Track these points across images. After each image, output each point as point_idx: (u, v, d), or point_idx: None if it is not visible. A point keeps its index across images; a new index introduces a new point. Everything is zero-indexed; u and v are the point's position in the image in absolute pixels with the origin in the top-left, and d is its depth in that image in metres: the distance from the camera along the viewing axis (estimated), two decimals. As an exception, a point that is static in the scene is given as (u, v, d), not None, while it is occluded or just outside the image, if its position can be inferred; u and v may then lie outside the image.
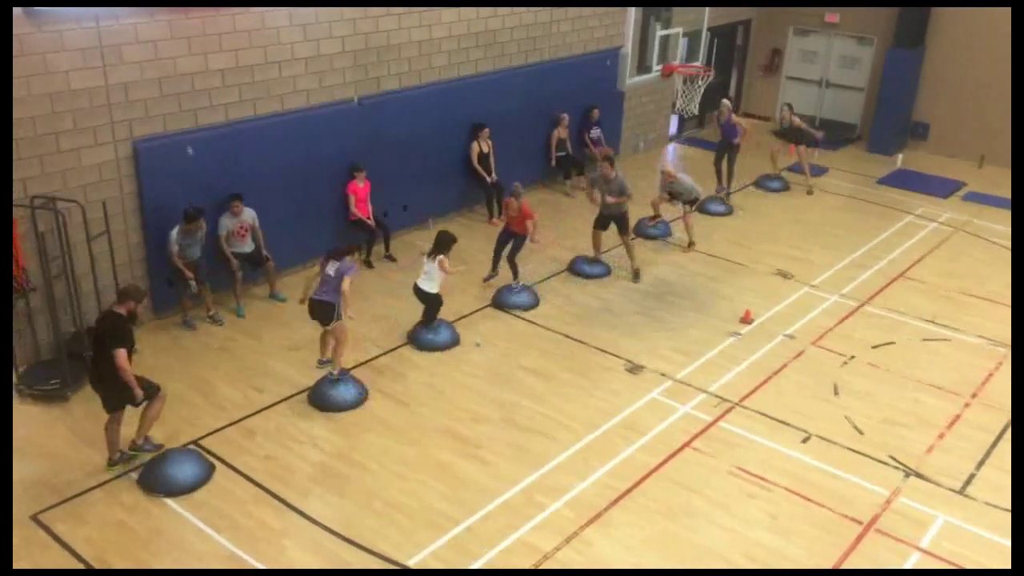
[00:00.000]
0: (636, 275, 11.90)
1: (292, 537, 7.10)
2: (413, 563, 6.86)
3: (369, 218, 11.75)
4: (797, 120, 15.15)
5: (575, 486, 7.82)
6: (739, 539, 7.29)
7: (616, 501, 7.66)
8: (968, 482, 8.09)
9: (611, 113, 15.86)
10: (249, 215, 10.36)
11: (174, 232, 9.62)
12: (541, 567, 6.87)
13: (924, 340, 10.57)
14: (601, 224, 11.91)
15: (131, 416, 7.70)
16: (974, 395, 9.48)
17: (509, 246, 11.16)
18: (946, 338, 10.66)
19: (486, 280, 11.36)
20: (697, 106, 16.67)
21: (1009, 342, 10.55)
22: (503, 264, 11.26)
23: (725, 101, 15.12)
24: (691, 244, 12.92)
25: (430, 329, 9.96)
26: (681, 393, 9.32)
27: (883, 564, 7.07)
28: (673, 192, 12.82)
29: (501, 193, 13.46)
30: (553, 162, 14.76)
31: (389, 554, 6.94)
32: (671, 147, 18.00)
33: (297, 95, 11.04)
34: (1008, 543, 7.31)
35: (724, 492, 7.85)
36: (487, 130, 13.26)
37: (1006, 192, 15.56)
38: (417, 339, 9.97)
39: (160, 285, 10.06)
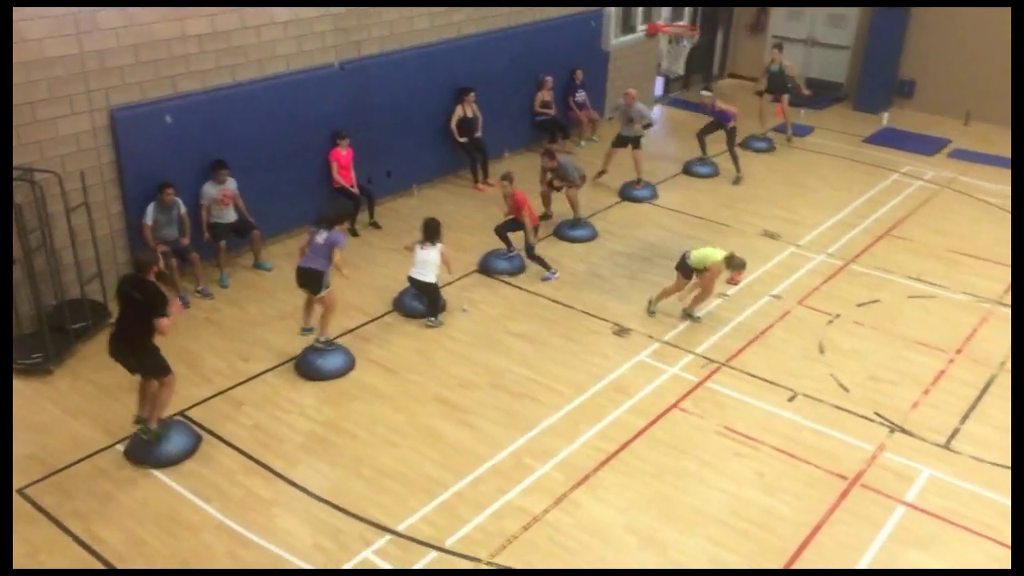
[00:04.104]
0: (575, 223, 11.95)
1: (282, 505, 7.11)
2: (403, 528, 6.88)
3: (353, 185, 11.63)
4: (788, 62, 15.05)
5: (564, 449, 7.84)
6: (728, 498, 7.35)
7: (605, 463, 7.70)
8: (952, 436, 8.16)
9: (596, 75, 15.71)
10: (232, 183, 10.24)
11: (150, 208, 9.51)
12: (531, 528, 6.91)
13: (910, 297, 10.60)
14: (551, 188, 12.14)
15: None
16: (959, 351, 9.53)
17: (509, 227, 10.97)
18: (932, 295, 10.70)
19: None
20: (683, 66, 16.53)
21: (994, 298, 10.61)
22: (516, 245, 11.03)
23: (705, 93, 14.91)
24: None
25: (429, 314, 9.75)
26: (669, 355, 9.33)
27: (869, 518, 7.14)
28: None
29: (485, 156, 13.37)
30: (538, 125, 14.65)
31: (380, 520, 6.96)
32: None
33: (276, 60, 10.87)
34: (993, 496, 7.41)
35: (712, 452, 7.89)
36: (472, 94, 13.12)
37: (992, 149, 15.57)
38: (404, 306, 9.92)
39: (142, 256, 9.96)
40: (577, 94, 15.08)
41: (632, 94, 13.24)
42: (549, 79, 14.49)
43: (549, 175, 11.92)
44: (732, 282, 10.71)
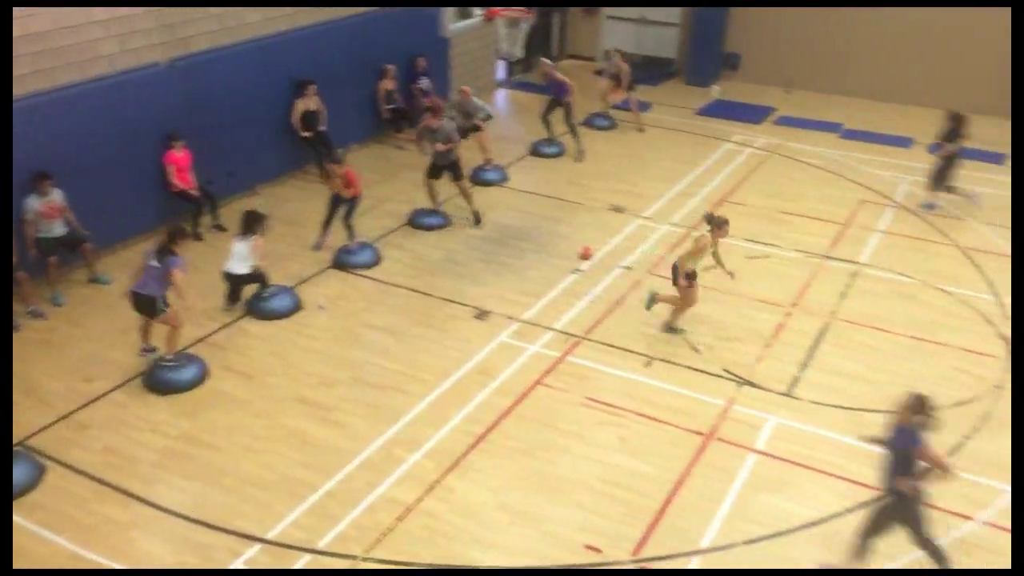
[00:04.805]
0: (477, 218, 11.94)
1: (141, 527, 6.79)
2: (273, 535, 6.72)
3: (192, 188, 11.15)
4: (626, 67, 15.52)
5: (433, 436, 7.86)
6: (595, 465, 7.58)
7: (475, 445, 7.77)
8: (793, 384, 8.73)
9: (438, 62, 15.68)
10: (58, 195, 9.60)
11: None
12: (405, 519, 6.90)
13: (748, 258, 11.21)
14: (433, 173, 11.85)
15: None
16: (794, 304, 10.19)
17: (342, 210, 10.89)
18: (767, 255, 11.37)
19: (316, 248, 11.06)
20: (522, 49, 16.72)
21: (822, 253, 11.38)
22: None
23: (545, 60, 15.16)
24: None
25: (269, 295, 9.65)
26: (529, 333, 9.50)
27: (725, 469, 7.55)
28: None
29: (332, 149, 13.11)
30: (385, 115, 14.51)
31: (247, 530, 6.76)
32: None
33: (99, 61, 10.27)
34: (833, 436, 7.99)
35: (577, 423, 8.12)
36: (313, 87, 12.82)
37: (813, 115, 16.68)
38: (256, 308, 9.63)
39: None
40: (420, 81, 15.01)
41: (467, 91, 13.33)
42: (392, 68, 14.36)
43: (425, 136, 11.67)
44: (585, 256, 11.04)
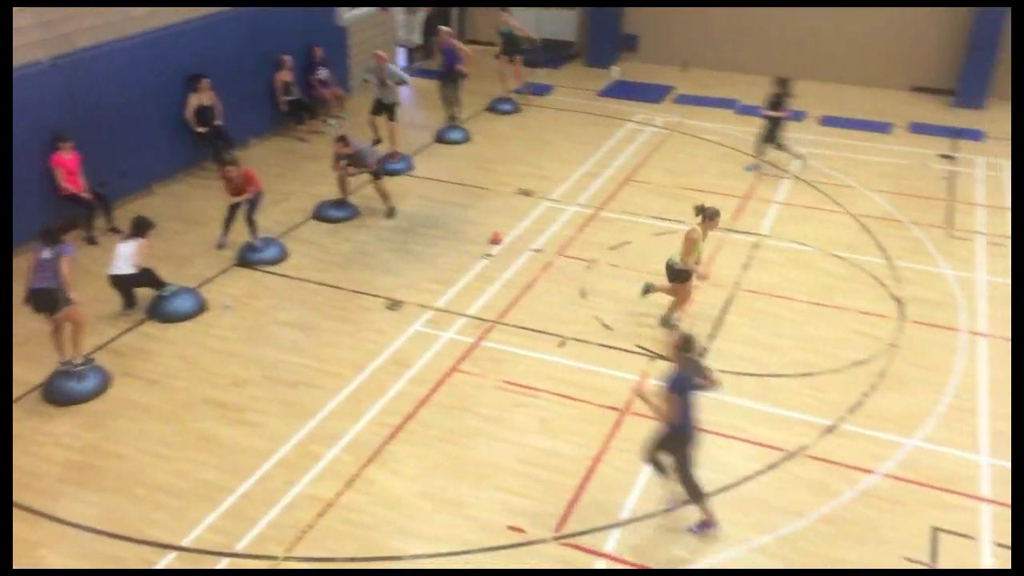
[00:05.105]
0: (390, 213, 11.84)
1: (49, 545, 6.52)
2: (188, 542, 6.55)
3: (83, 191, 10.70)
4: (514, 22, 15.69)
5: (350, 430, 7.79)
6: (514, 447, 7.64)
7: (393, 436, 7.73)
8: (703, 355, 8.96)
9: (336, 51, 15.43)
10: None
11: None
12: (325, 515, 6.82)
13: (655, 235, 11.45)
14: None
15: None
16: (701, 278, 10.43)
17: (243, 208, 10.61)
18: (672, 231, 11.60)
19: (219, 247, 10.77)
20: (420, 36, 16.66)
21: (724, 226, 11.67)
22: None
23: (444, 28, 15.20)
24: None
25: (171, 296, 9.36)
26: (443, 321, 9.48)
27: (639, 442, 7.67)
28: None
29: (230, 144, 12.79)
30: (284, 107, 14.22)
31: (161, 539, 6.57)
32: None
33: (-30, 62, 9.70)
34: (740, 402, 8.24)
35: (495, 407, 8.16)
36: (206, 81, 12.45)
37: (709, 92, 17.07)
38: (158, 311, 9.33)
39: None
40: (318, 72, 14.75)
41: (383, 55, 13.23)
42: (288, 59, 14.06)
43: (343, 162, 11.54)
44: (495, 241, 11.08)
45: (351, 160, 11.52)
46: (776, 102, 13.16)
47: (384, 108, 13.30)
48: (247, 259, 10.51)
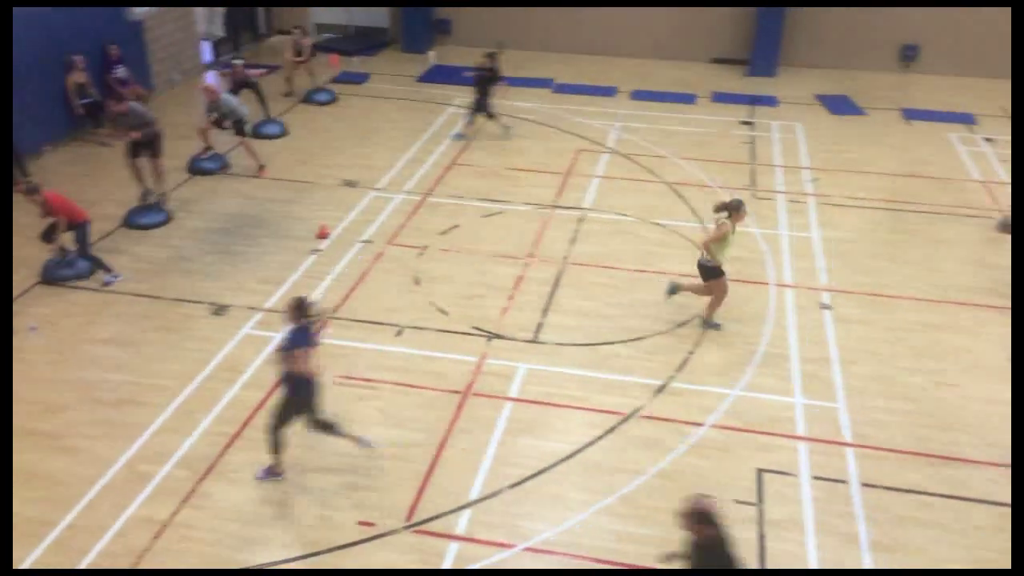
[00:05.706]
0: (161, 201, 11.51)
1: None
2: (10, 585, 6.06)
3: None
4: (307, 41, 15.54)
5: (183, 444, 7.43)
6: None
7: (229, 445, 7.45)
8: (538, 330, 9.19)
9: (133, 48, 14.54)
10: None
11: None
12: (162, 535, 6.49)
13: (483, 216, 11.57)
14: (133, 152, 11.35)
15: None
16: (531, 255, 10.68)
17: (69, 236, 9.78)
18: (500, 211, 11.79)
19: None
20: (222, 27, 15.99)
21: (550, 203, 11.99)
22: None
23: (236, 61, 14.63)
24: (261, 168, 12.62)
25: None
26: (274, 321, 9.17)
27: (484, 421, 7.81)
28: (220, 113, 12.26)
29: (19, 153, 11.80)
30: (79, 111, 13.25)
31: (-23, 586, 6.04)
32: (211, 73, 17.10)
33: None
34: (577, 372, 8.51)
35: (336, 402, 7.96)
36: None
37: (525, 72, 17.39)
38: (-46, 341, 8.51)
39: None
40: (116, 71, 13.86)
41: (210, 88, 12.62)
42: (79, 59, 13.10)
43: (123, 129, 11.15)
44: (322, 235, 10.86)
45: (126, 123, 11.01)
46: (483, 74, 13.70)
47: (233, 124, 12.55)
48: (52, 276, 9.75)
